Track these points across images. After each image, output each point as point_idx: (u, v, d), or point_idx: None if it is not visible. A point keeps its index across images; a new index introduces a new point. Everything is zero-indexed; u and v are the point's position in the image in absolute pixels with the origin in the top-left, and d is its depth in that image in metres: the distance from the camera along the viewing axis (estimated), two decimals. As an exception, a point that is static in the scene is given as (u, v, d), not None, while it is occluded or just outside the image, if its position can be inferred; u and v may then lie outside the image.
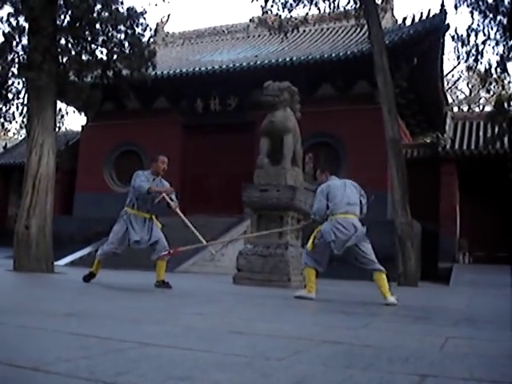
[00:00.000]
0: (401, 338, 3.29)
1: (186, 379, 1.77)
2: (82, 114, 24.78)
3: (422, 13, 20.76)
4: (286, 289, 8.76)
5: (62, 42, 11.58)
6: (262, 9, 18.23)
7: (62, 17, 11.41)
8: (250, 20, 29.42)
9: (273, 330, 3.34)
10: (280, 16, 18.46)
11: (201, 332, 3.08)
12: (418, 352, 2.65)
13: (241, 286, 9.14)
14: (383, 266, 6.06)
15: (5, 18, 11.41)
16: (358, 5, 17.44)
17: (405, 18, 22.54)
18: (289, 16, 18.67)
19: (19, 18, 11.35)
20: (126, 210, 7.28)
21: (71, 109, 17.13)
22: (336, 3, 18.15)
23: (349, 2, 18.05)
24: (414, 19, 21.31)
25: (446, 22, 19.23)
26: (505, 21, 14.86)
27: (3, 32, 11.37)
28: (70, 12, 11.27)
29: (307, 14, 19.35)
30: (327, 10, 19.33)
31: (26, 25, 11.24)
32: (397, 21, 25.08)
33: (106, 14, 11.53)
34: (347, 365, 2.18)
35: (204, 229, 17.36)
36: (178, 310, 4.51)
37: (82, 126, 26.63)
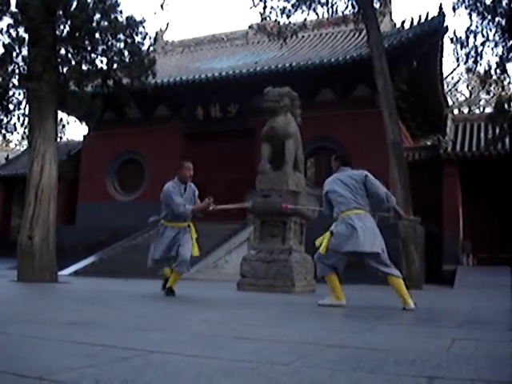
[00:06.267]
0: (407, 341, 3.28)
1: (191, 386, 1.76)
2: (84, 123, 24.95)
3: (420, 16, 20.78)
4: (290, 294, 8.75)
5: (62, 52, 11.62)
6: (261, 15, 18.35)
7: (62, 27, 11.45)
8: (249, 27, 29.51)
9: (278, 335, 3.33)
10: (279, 22, 18.58)
11: (206, 339, 3.07)
12: (425, 354, 2.64)
13: (245, 292, 9.12)
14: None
15: (5, 30, 11.46)
16: (356, 9, 17.51)
17: (403, 22, 22.62)
18: (287, 22, 18.76)
19: (19, 29, 11.39)
20: (163, 223, 7.11)
21: (72, 118, 17.25)
22: (334, 8, 18.23)
23: (347, 7, 18.14)
24: (412, 22, 21.34)
25: (445, 25, 19.29)
26: (503, 22, 14.89)
27: (3, 43, 11.41)
28: (69, 22, 11.31)
29: (306, 19, 19.47)
30: (325, 16, 19.46)
31: (26, 36, 11.28)
32: (395, 24, 25.14)
33: (106, 23, 11.58)
34: (354, 368, 2.17)
35: (207, 236, 17.47)
36: (182, 317, 4.50)
37: (84, 136, 26.70)
